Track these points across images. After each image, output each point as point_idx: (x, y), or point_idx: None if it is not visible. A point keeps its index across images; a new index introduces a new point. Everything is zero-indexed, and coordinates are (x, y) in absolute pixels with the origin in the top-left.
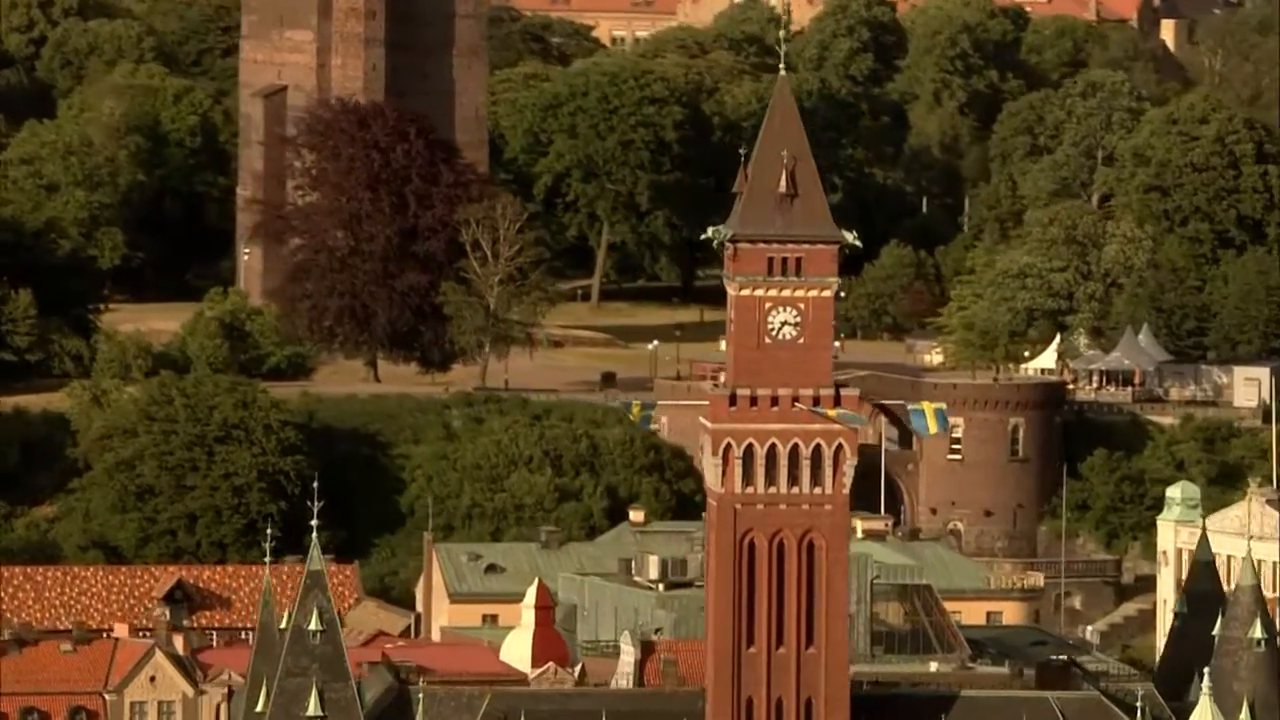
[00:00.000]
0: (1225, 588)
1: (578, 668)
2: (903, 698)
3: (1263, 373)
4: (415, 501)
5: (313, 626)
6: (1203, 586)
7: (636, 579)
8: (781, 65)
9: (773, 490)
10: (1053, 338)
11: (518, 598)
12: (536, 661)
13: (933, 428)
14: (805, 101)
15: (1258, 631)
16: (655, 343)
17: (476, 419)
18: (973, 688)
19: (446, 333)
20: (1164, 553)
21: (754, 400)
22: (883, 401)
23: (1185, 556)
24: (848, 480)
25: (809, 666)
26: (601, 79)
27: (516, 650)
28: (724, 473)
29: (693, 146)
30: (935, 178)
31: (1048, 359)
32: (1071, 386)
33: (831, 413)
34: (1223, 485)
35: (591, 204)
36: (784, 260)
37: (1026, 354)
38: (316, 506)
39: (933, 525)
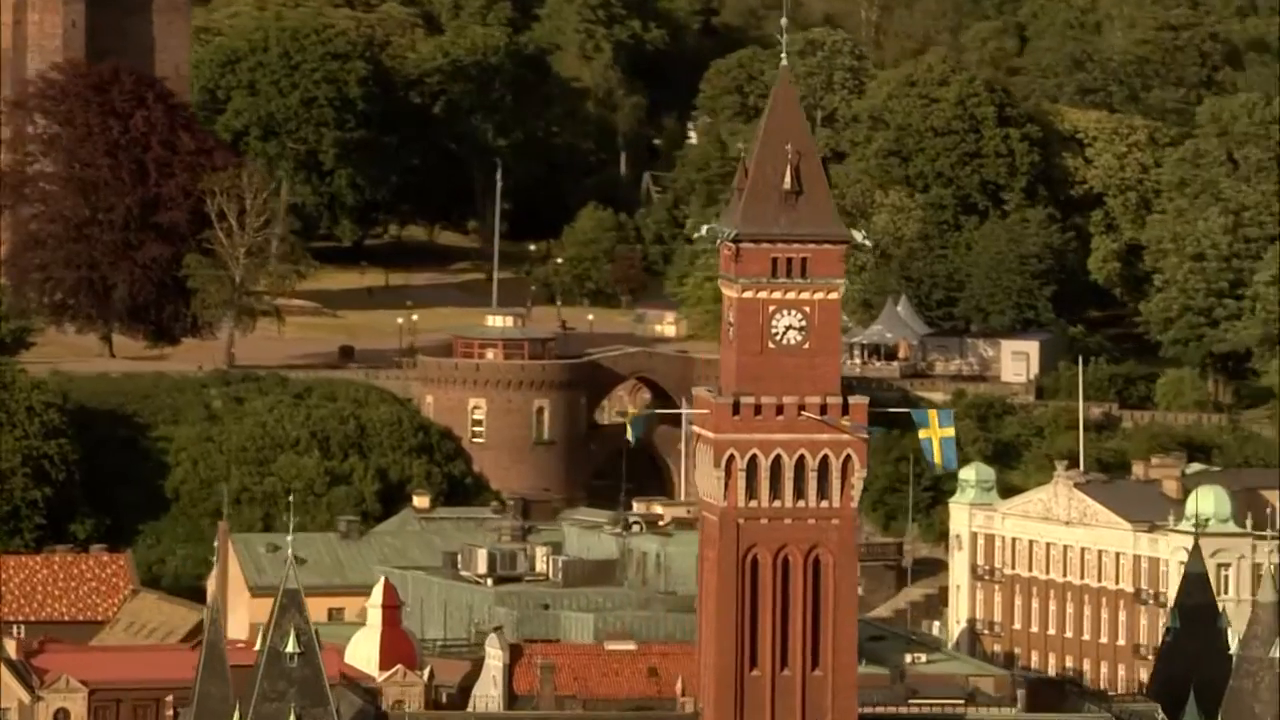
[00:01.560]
0: (1027, 571)
1: (426, 670)
2: None
3: (1031, 346)
4: (180, 486)
5: (289, 649)
6: (1195, 599)
7: (464, 573)
8: (783, 55)
9: (777, 504)
10: None
11: (320, 591)
12: (384, 664)
13: (938, 461)
14: (492, 58)
15: None
16: (415, 316)
17: (236, 398)
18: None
19: (190, 306)
20: (957, 536)
21: (758, 409)
22: (649, 376)
23: (980, 540)
24: (857, 493)
25: (815, 689)
26: (282, 34)
27: (363, 651)
28: (726, 485)
29: (376, 103)
30: (591, 133)
31: None
32: (857, 363)
33: (845, 422)
34: (998, 465)
35: (271, 163)
36: (789, 261)
37: None
38: (294, 530)
39: (671, 503)
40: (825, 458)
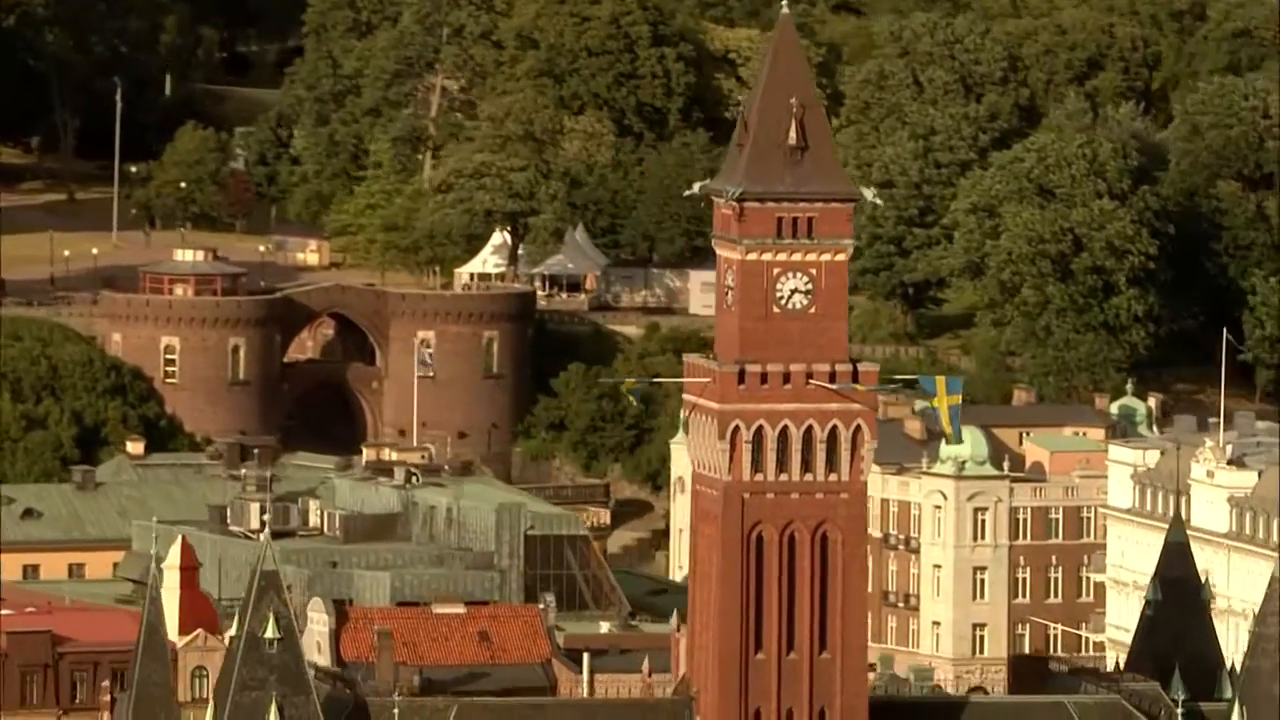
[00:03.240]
0: None
1: (228, 633)
2: (918, 705)
3: None
4: None
5: (269, 635)
6: (1176, 571)
7: (234, 528)
8: (785, 1)
9: (784, 478)
10: (486, 240)
11: (58, 545)
12: (184, 628)
13: (948, 430)
14: None
15: None
16: (95, 250)
17: None
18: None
19: None
20: (680, 479)
21: (764, 377)
22: (343, 312)
23: None
24: (867, 466)
25: (823, 673)
26: None
27: None
28: (731, 458)
29: None
30: (143, 43)
31: (481, 263)
32: (543, 295)
33: (861, 387)
34: None
35: None
36: (794, 220)
37: (483, 261)
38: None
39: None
40: (834, 428)
